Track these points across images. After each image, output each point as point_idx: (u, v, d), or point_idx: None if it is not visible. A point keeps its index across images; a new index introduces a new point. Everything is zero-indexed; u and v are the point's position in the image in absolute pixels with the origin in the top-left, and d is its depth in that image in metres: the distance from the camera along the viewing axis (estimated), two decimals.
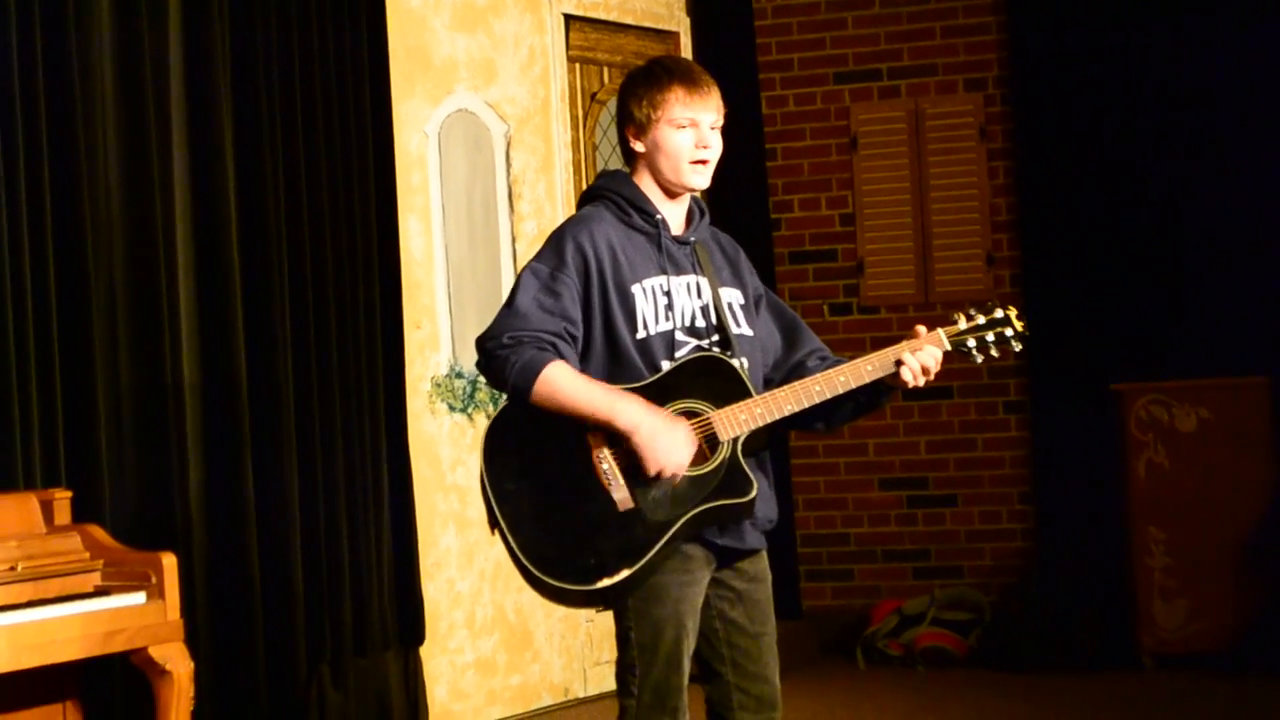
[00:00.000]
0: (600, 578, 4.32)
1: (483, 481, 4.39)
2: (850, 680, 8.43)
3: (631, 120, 4.53)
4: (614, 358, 4.43)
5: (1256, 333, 8.34)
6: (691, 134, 4.50)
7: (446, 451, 7.39)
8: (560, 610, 7.79)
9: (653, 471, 4.31)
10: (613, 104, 8.34)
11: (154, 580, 5.14)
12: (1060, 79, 8.72)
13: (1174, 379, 8.33)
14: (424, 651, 7.12)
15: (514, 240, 7.76)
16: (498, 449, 4.40)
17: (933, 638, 8.57)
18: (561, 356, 4.36)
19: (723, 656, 4.58)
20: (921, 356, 4.50)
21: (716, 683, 4.59)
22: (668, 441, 4.32)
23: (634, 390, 4.40)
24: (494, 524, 4.38)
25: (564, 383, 4.32)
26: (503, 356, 4.35)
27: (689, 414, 4.41)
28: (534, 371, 4.31)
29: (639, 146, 4.53)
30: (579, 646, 7.95)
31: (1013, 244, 8.94)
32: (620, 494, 4.33)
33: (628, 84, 4.57)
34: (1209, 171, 8.49)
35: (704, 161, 4.53)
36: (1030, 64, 8.82)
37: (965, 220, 8.99)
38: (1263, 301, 8.37)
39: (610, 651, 7.98)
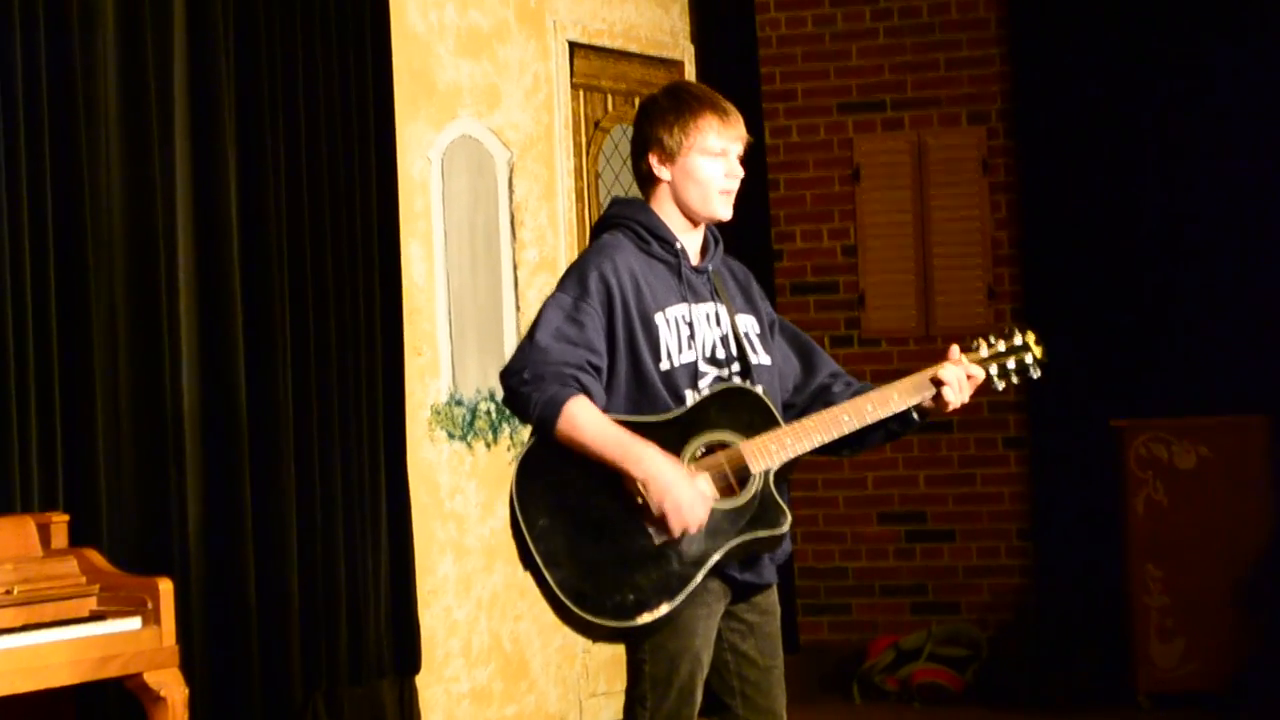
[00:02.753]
0: (640, 613, 4.28)
1: (515, 519, 4.32)
2: (846, 715, 8.41)
3: (659, 146, 4.48)
4: (639, 388, 4.40)
5: (1257, 371, 8.33)
6: (722, 163, 4.49)
7: (445, 479, 7.36)
8: (557, 640, 7.76)
9: (661, 523, 4.26)
10: (616, 131, 8.35)
11: (150, 605, 5.12)
12: (1063, 113, 8.72)
13: (1174, 416, 8.32)
14: (420, 680, 7.08)
15: (515, 267, 7.74)
16: (528, 485, 4.34)
17: (929, 673, 8.55)
18: (585, 389, 4.32)
19: (733, 689, 4.56)
20: (957, 372, 4.49)
21: (725, 715, 4.58)
22: (682, 495, 4.27)
23: (664, 423, 4.38)
24: (528, 563, 4.32)
25: (585, 422, 4.28)
26: (525, 393, 4.31)
27: (719, 446, 4.39)
28: (556, 408, 4.27)
29: (664, 174, 4.50)
30: (575, 677, 7.91)
31: (1014, 278, 8.93)
32: (657, 528, 4.29)
33: (654, 110, 4.52)
34: (1212, 208, 8.49)
35: (730, 191, 4.51)
36: (1033, 97, 8.82)
37: (967, 253, 8.98)
38: (1263, 340, 8.36)
39: (606, 682, 7.97)
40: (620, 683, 7.67)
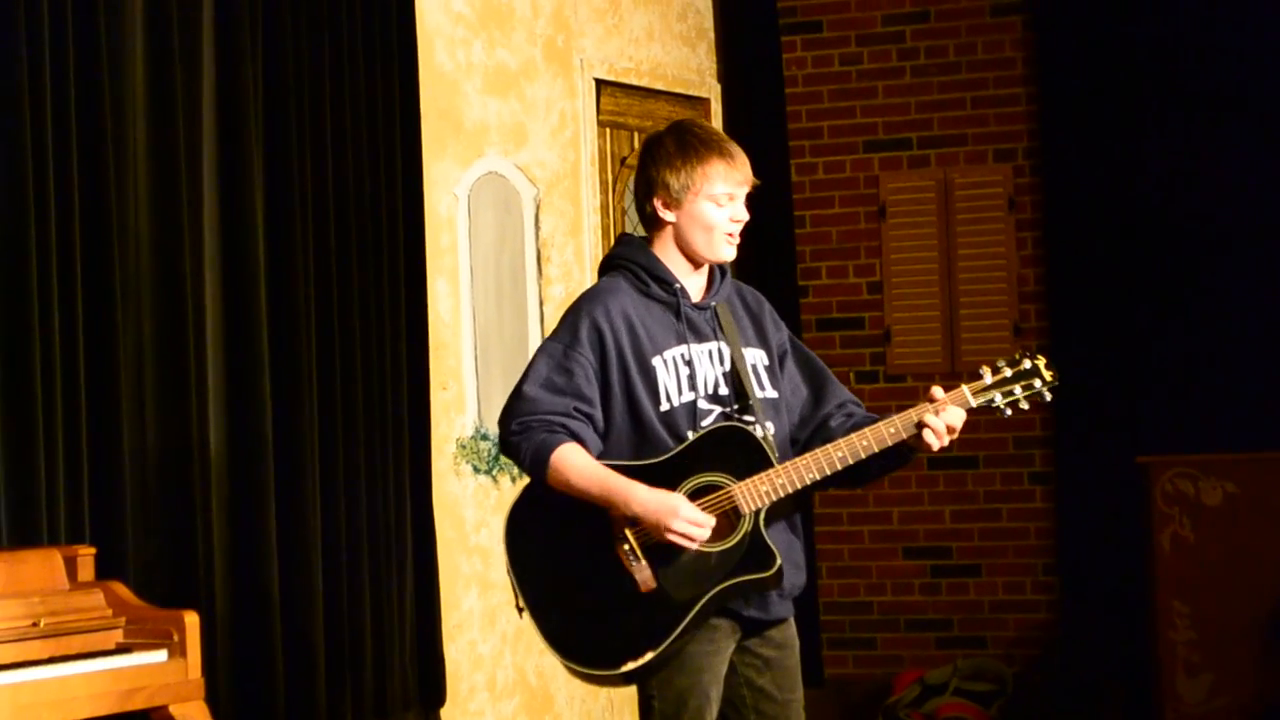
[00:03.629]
0: (625, 661, 4.32)
1: (507, 565, 4.40)
2: None
3: (665, 190, 4.48)
4: (638, 431, 4.42)
5: None
6: (728, 208, 4.50)
7: (470, 513, 7.39)
8: None
9: (675, 545, 4.30)
10: None
11: (176, 638, 5.13)
12: (1090, 151, 8.73)
13: (1201, 452, 8.30)
14: (445, 713, 7.10)
15: (541, 303, 7.78)
16: (520, 531, 4.41)
17: (955, 708, 8.53)
18: (574, 435, 4.35)
19: None
20: (945, 417, 4.44)
21: None
22: (682, 515, 4.29)
23: (656, 465, 4.39)
24: (520, 607, 4.40)
25: (573, 466, 4.32)
26: (515, 444, 4.37)
27: (710, 488, 4.39)
28: (544, 456, 4.32)
29: (668, 216, 4.51)
30: (599, 711, 7.93)
31: (1040, 315, 8.93)
32: (642, 574, 4.32)
33: (660, 153, 4.52)
34: (1240, 244, 8.49)
35: (734, 234, 4.53)
36: (1059, 135, 8.83)
37: (993, 290, 8.99)
38: None
39: (631, 717, 7.98)
40: None
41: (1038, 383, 4.52)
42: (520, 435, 4.36)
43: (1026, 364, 4.53)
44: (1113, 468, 8.52)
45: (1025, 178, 8.98)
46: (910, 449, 4.53)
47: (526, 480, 4.45)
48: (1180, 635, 8.21)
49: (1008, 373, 4.52)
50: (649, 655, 4.30)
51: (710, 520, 4.33)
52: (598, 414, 4.42)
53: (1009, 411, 4.52)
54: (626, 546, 4.33)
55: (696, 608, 4.32)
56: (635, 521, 4.33)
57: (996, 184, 9.01)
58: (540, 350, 4.48)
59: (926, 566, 9.03)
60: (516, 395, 4.42)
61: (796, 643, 4.63)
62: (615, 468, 4.37)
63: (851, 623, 9.10)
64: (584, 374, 4.39)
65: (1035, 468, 8.93)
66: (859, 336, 9.16)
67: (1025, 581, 8.92)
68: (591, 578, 4.35)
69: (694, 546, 4.31)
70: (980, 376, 4.54)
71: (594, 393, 4.41)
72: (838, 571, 9.11)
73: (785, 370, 4.65)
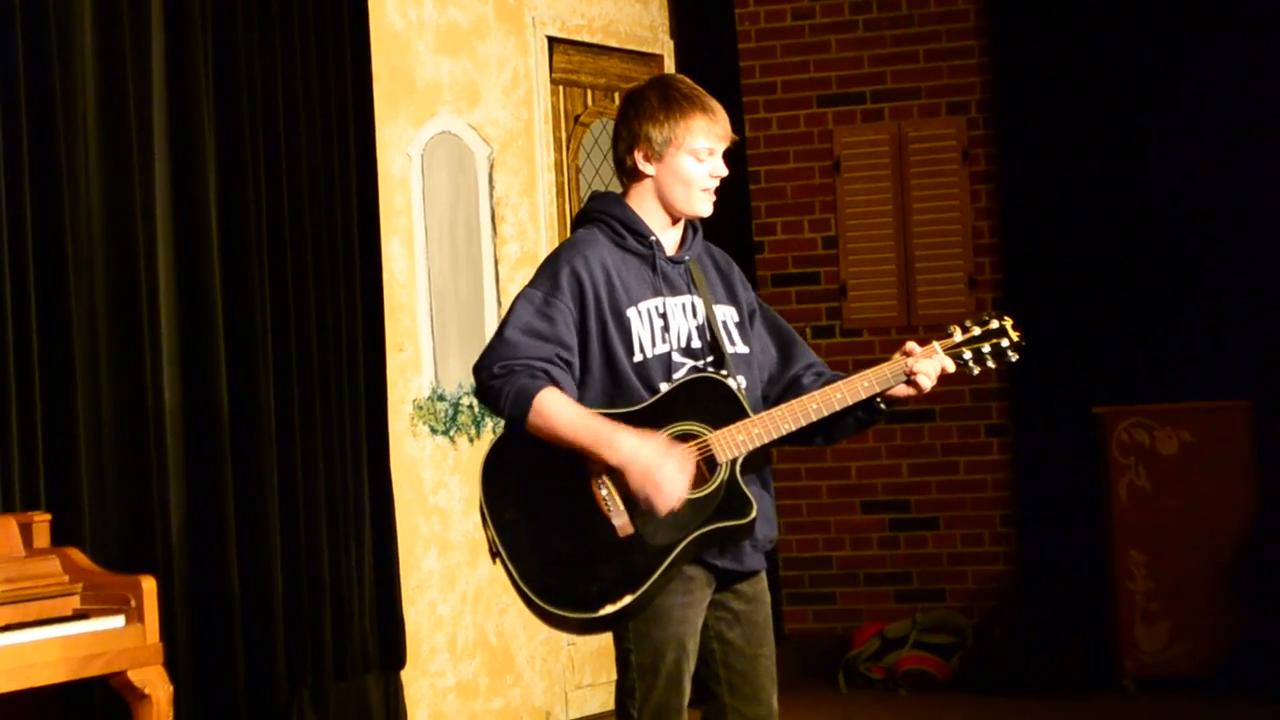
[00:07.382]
0: (602, 605, 4.31)
1: (483, 510, 4.37)
2: (832, 704, 8.42)
3: (647, 143, 4.48)
4: (613, 381, 4.43)
5: (1238, 356, 8.36)
6: (708, 163, 4.50)
7: (428, 474, 7.38)
8: (542, 633, 7.78)
9: (645, 506, 4.30)
10: (596, 126, 8.37)
11: (133, 604, 5.13)
12: (1043, 102, 8.75)
13: (1156, 402, 8.35)
14: (405, 675, 7.11)
15: (496, 263, 7.76)
16: (497, 476, 4.39)
17: (915, 661, 8.57)
18: (555, 382, 4.35)
19: (718, 677, 4.57)
20: (930, 364, 4.49)
21: (712, 703, 4.59)
22: (662, 475, 4.30)
23: (632, 414, 4.39)
24: (495, 553, 4.37)
25: (557, 412, 4.31)
26: (495, 387, 4.34)
27: (687, 436, 4.40)
28: (527, 400, 4.30)
29: (648, 169, 4.50)
30: (560, 669, 7.94)
31: (995, 267, 8.96)
32: (620, 520, 4.32)
33: (643, 105, 4.51)
34: (1191, 194, 8.51)
35: (712, 189, 4.53)
36: (1013, 87, 8.85)
37: (948, 243, 9.00)
38: (1245, 325, 8.40)
39: (592, 674, 7.99)
40: (605, 674, 7.69)
41: (1004, 342, 4.57)
42: (501, 379, 4.34)
43: (994, 324, 4.57)
44: (1069, 419, 8.56)
45: (979, 130, 9.00)
46: (879, 409, 4.55)
47: (500, 427, 4.44)
48: (1138, 584, 8.26)
49: (976, 331, 4.56)
50: (627, 599, 4.30)
51: (682, 494, 4.33)
52: (577, 362, 4.43)
53: (977, 369, 4.57)
54: (604, 492, 4.33)
55: (674, 553, 4.32)
56: (613, 467, 4.33)
57: (950, 137, 9.03)
58: (520, 297, 4.45)
59: (885, 520, 9.06)
60: (498, 339, 4.40)
61: (768, 597, 4.64)
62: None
63: (811, 577, 9.14)
64: (564, 321, 4.39)
65: (992, 420, 8.97)
66: (815, 291, 9.17)
67: (983, 534, 8.96)
68: (568, 522, 4.34)
69: (661, 509, 4.31)
70: (949, 334, 4.57)
71: (574, 341, 4.41)
72: (796, 527, 9.13)
73: (754, 330, 4.66)
